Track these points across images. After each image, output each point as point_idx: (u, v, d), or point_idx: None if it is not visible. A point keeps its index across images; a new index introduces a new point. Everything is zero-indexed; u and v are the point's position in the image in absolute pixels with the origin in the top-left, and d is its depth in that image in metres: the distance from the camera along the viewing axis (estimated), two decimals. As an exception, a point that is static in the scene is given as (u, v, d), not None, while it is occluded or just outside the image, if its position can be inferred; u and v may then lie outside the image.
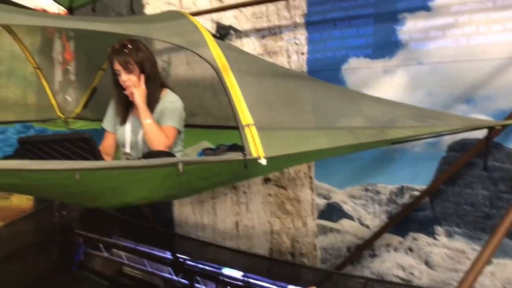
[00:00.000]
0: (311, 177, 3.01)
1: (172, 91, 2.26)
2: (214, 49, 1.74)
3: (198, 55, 1.71)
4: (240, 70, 1.72)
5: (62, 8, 4.15)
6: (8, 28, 3.44)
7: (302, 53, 3.01)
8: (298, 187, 3.09)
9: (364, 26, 2.70)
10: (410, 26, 2.51)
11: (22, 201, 4.23)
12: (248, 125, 1.56)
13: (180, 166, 1.43)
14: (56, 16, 2.05)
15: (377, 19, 2.65)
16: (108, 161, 1.60)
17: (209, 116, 3.31)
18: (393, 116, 2.00)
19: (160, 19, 2.12)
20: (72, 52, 4.35)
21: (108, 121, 2.30)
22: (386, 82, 2.61)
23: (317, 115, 1.98)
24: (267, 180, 3.26)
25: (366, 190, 2.75)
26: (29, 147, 1.60)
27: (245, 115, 1.58)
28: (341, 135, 1.82)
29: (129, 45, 2.05)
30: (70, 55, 4.32)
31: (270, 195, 3.25)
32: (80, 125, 3.63)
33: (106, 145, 2.27)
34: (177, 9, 3.52)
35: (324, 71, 2.85)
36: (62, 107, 4.08)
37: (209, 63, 1.69)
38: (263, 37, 3.20)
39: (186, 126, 3.27)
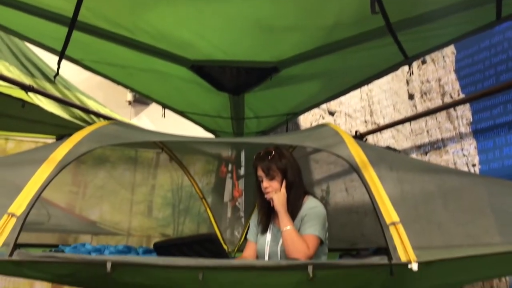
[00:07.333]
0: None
1: (330, 216, 2.09)
2: (353, 148, 1.60)
3: (335, 154, 1.59)
4: (382, 166, 1.53)
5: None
6: (186, 171, 3.91)
7: (474, 165, 2.61)
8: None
9: (549, 123, 2.26)
10: None
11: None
12: (393, 223, 1.31)
13: (310, 270, 1.22)
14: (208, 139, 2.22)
15: None
16: (228, 260, 1.48)
17: (372, 243, 2.98)
18: None
19: (306, 131, 2.12)
20: (240, 189, 4.67)
21: (251, 231, 2.22)
22: None
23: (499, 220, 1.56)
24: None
25: None
26: (163, 252, 1.61)
27: (389, 212, 1.34)
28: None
29: (273, 152, 2.04)
30: (239, 192, 4.63)
31: None
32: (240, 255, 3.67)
33: (246, 255, 2.15)
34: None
35: (505, 182, 2.39)
36: (230, 241, 4.26)
37: (345, 160, 1.54)
38: (425, 153, 2.93)
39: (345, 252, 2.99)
